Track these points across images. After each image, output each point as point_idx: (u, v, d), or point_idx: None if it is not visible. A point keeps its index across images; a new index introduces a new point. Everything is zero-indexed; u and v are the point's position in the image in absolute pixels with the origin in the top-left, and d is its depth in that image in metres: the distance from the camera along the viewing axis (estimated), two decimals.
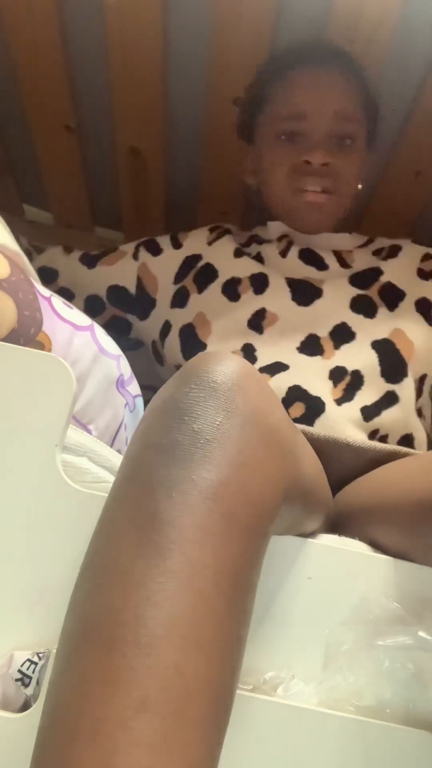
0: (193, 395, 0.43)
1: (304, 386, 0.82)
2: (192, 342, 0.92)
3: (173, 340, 0.95)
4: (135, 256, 1.04)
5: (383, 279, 0.93)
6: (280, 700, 0.49)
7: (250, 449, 0.42)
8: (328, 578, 0.53)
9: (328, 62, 0.91)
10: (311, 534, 0.59)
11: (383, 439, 0.83)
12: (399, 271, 0.95)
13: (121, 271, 1.04)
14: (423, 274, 0.96)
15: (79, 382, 0.62)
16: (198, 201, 1.24)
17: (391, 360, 0.86)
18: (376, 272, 0.94)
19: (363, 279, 0.93)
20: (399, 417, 0.84)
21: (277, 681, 0.51)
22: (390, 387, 0.85)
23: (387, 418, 0.83)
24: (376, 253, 0.99)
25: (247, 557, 0.40)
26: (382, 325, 0.89)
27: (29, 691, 0.48)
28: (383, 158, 1.10)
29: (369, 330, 0.88)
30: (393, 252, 0.98)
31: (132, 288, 1.03)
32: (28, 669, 0.49)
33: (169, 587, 0.36)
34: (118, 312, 1.05)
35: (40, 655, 0.49)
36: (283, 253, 0.97)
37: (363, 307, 0.90)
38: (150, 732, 0.33)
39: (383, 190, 1.17)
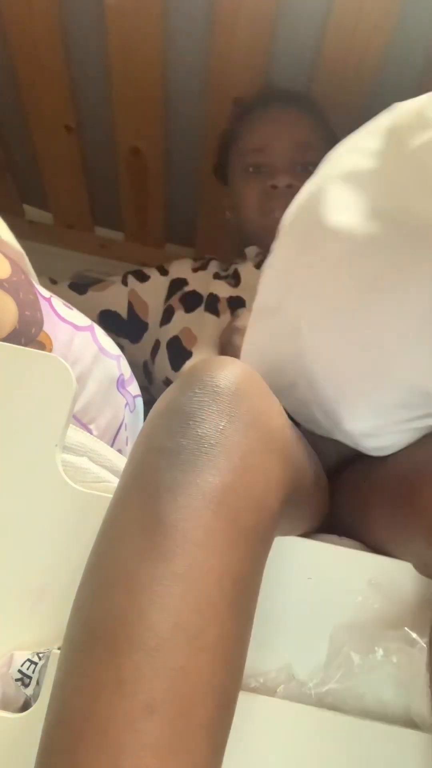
0: (197, 399, 0.43)
1: None
2: (178, 352, 0.98)
3: (162, 355, 1.00)
4: (124, 283, 1.10)
5: None
6: (280, 700, 0.49)
7: (253, 454, 0.42)
8: (328, 578, 0.53)
9: (285, 102, 1.01)
10: (310, 533, 0.59)
11: None
12: None
13: (112, 296, 1.09)
14: None
15: (80, 382, 0.62)
16: (198, 201, 1.24)
17: None
18: None
19: None
20: None
21: (277, 681, 0.51)
22: None
23: None
24: None
25: (251, 561, 0.40)
26: None
27: (29, 691, 0.48)
28: None
29: None
30: None
31: (123, 312, 1.08)
32: (28, 669, 0.49)
33: (174, 590, 0.36)
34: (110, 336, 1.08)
35: (40, 655, 0.49)
36: (258, 266, 1.01)
37: None
38: (157, 734, 0.33)
39: None
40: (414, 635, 0.51)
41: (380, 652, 0.51)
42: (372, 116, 0.61)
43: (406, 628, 0.51)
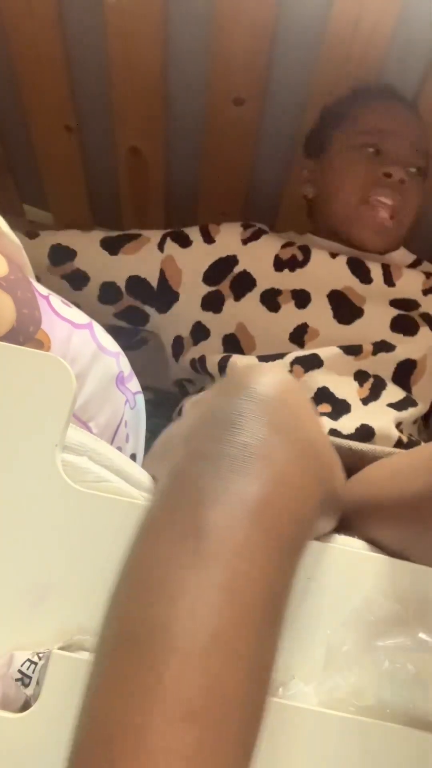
0: (242, 407, 0.43)
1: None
2: (235, 353, 0.93)
3: (214, 347, 0.94)
4: (161, 247, 1.01)
5: (422, 309, 0.97)
6: (280, 700, 0.49)
7: (294, 465, 0.43)
8: (328, 578, 0.53)
9: (406, 102, 0.99)
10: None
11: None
12: None
13: (144, 261, 1.01)
14: None
15: (79, 380, 0.62)
16: (198, 201, 1.24)
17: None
18: (415, 303, 0.97)
19: (404, 304, 0.96)
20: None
21: (277, 681, 0.51)
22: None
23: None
24: (427, 276, 1.01)
25: (286, 572, 0.41)
26: (421, 343, 0.94)
27: (29, 691, 0.48)
28: None
29: (407, 347, 0.93)
30: None
31: (154, 281, 1.01)
32: (28, 669, 0.49)
33: (214, 599, 0.36)
34: (136, 303, 1.03)
35: (40, 655, 0.49)
36: (333, 255, 0.97)
37: (404, 326, 0.94)
38: (191, 742, 0.33)
39: None
40: (414, 635, 0.51)
41: (381, 652, 0.51)
42: None
43: (406, 628, 0.51)
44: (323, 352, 0.88)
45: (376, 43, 0.93)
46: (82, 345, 0.64)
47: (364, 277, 0.96)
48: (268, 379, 0.45)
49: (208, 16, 0.91)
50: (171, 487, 0.42)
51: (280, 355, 0.89)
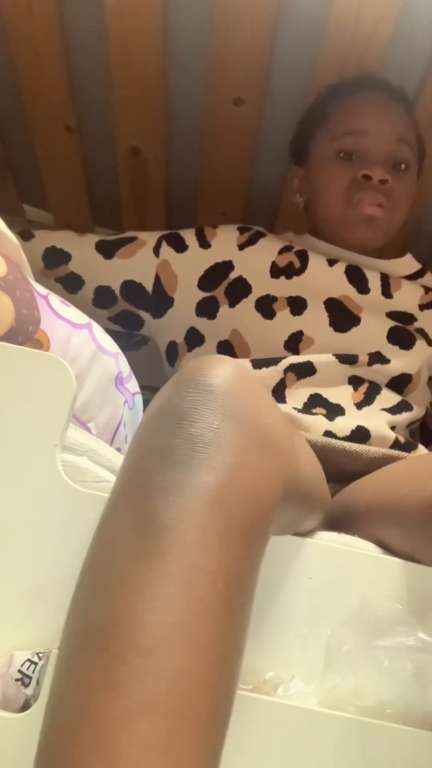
0: (190, 399, 0.43)
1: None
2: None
3: (209, 353, 0.93)
4: (156, 252, 1.00)
5: (417, 324, 0.96)
6: (280, 700, 0.49)
7: (247, 452, 0.42)
8: (328, 578, 0.53)
9: (389, 91, 0.94)
10: (309, 532, 0.59)
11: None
12: None
13: (139, 265, 1.00)
14: None
15: (78, 380, 0.62)
16: (198, 201, 1.24)
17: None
18: (412, 318, 0.96)
19: (400, 317, 0.95)
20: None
21: (277, 681, 0.51)
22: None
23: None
24: (426, 291, 0.99)
25: (247, 560, 0.40)
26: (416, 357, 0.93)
27: (29, 691, 0.48)
28: None
29: (403, 361, 0.92)
30: None
31: (149, 286, 1.00)
32: (28, 669, 0.49)
33: (169, 591, 0.36)
34: (130, 307, 1.02)
35: (40, 655, 0.49)
36: (331, 263, 0.96)
37: (400, 339, 0.93)
38: (152, 735, 0.33)
39: None
40: (414, 635, 0.51)
41: (381, 652, 0.51)
42: None
43: (406, 628, 0.51)
44: (317, 360, 0.87)
45: (376, 43, 0.93)
46: (82, 345, 0.64)
47: (362, 286, 0.95)
48: (219, 370, 0.45)
49: (208, 17, 0.91)
50: (124, 483, 0.42)
51: (275, 361, 0.88)
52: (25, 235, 1.01)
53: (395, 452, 0.79)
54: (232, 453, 0.41)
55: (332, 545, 0.55)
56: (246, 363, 0.89)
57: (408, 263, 1.02)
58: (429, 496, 0.52)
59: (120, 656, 0.34)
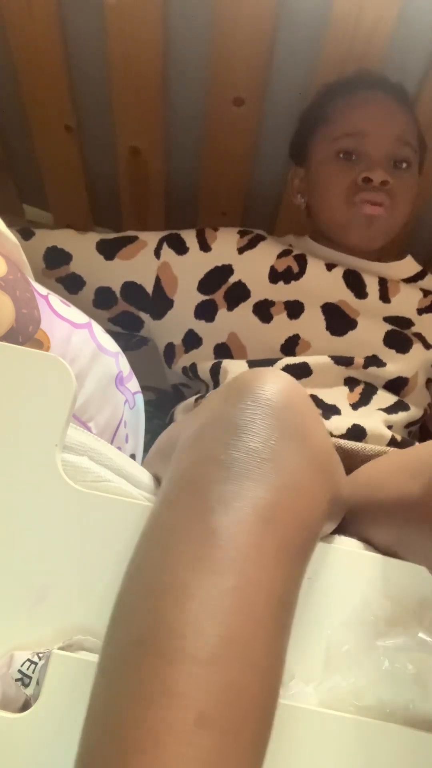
0: (250, 412, 0.43)
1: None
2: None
3: (206, 355, 0.94)
4: (157, 254, 1.00)
5: (415, 329, 0.95)
6: (280, 700, 0.49)
7: (302, 472, 0.43)
8: (328, 578, 0.53)
9: (389, 89, 0.93)
10: None
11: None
12: None
13: (140, 267, 1.00)
14: None
15: (78, 380, 0.62)
16: (198, 201, 1.24)
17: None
18: (409, 322, 0.96)
19: (398, 321, 0.95)
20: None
21: None
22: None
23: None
24: (425, 294, 0.99)
25: (294, 578, 0.41)
26: (413, 361, 0.93)
27: (29, 691, 0.48)
28: None
29: (399, 365, 0.92)
30: None
31: (149, 288, 1.00)
32: (28, 669, 0.49)
33: (225, 604, 0.36)
34: (131, 308, 1.02)
35: (40, 655, 0.49)
36: (329, 267, 0.96)
37: (397, 342, 0.92)
38: (208, 748, 0.33)
39: None
40: (414, 635, 0.51)
41: (381, 652, 0.51)
42: None
43: (406, 628, 0.51)
44: (313, 361, 0.88)
45: (376, 43, 0.93)
46: (82, 345, 0.64)
47: (360, 291, 0.95)
48: (273, 383, 0.45)
49: (208, 17, 0.91)
50: (180, 493, 0.42)
51: (270, 362, 0.88)
52: (25, 234, 1.01)
53: (393, 450, 0.79)
54: (288, 472, 0.42)
55: (331, 545, 0.55)
56: (243, 364, 0.89)
57: (408, 265, 1.02)
58: (408, 493, 0.53)
59: (179, 666, 0.34)
